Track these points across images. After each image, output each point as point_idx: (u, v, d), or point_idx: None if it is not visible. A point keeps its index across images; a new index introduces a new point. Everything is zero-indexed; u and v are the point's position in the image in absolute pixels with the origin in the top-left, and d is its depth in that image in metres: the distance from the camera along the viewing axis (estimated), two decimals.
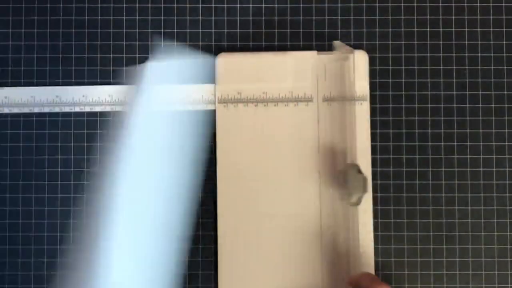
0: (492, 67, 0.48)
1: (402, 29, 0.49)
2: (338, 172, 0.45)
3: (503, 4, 0.49)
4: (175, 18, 0.49)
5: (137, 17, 0.49)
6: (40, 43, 0.48)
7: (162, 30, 0.49)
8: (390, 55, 0.48)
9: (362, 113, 0.46)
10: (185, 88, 0.47)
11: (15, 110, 0.48)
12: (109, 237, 0.43)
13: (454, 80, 0.48)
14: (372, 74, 0.48)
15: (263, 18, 0.49)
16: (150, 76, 0.46)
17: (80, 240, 0.46)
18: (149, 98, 0.45)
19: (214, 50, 0.48)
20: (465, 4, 0.49)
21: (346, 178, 0.43)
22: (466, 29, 0.48)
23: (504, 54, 0.48)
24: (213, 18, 0.49)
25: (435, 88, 0.48)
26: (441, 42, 0.48)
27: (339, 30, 0.49)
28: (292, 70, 0.47)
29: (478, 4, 0.49)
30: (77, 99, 0.48)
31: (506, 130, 0.48)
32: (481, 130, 0.48)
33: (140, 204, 0.45)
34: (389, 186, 0.48)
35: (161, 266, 0.44)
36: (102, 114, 0.48)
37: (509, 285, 0.47)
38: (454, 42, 0.48)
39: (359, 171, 0.42)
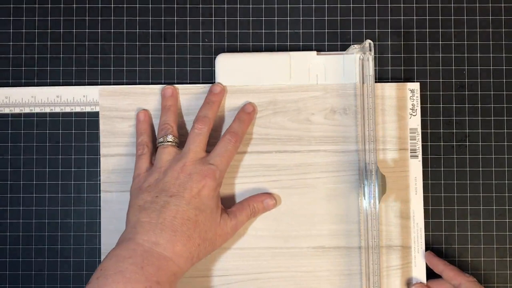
0: (492, 67, 0.48)
1: (402, 30, 0.49)
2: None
3: (502, 5, 0.49)
4: (175, 18, 0.49)
5: (137, 18, 0.49)
6: (41, 44, 0.49)
7: (163, 31, 0.49)
8: (389, 55, 0.48)
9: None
10: None
11: (16, 110, 0.48)
12: None
13: (453, 80, 0.48)
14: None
15: (263, 18, 0.49)
16: None
17: None
18: None
19: (214, 50, 0.49)
20: (465, 5, 0.49)
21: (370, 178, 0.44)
22: (466, 30, 0.48)
23: (503, 54, 0.48)
24: (213, 18, 0.49)
25: (434, 89, 0.48)
26: (440, 42, 0.49)
27: (339, 30, 0.49)
28: (292, 70, 0.47)
29: (477, 5, 0.49)
30: (77, 99, 0.48)
31: (506, 130, 0.48)
32: (480, 130, 0.48)
33: None
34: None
35: None
36: None
37: (508, 285, 0.47)
38: (453, 42, 0.48)
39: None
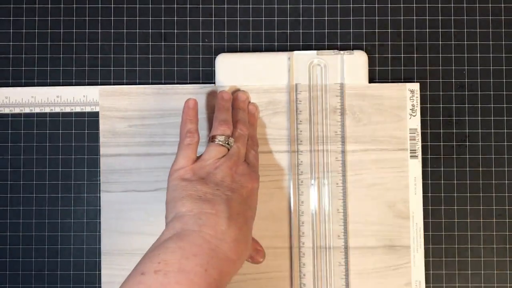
0: (491, 67, 0.48)
1: (402, 30, 0.49)
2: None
3: (502, 5, 0.49)
4: (175, 18, 0.49)
5: (137, 18, 0.49)
6: (41, 44, 0.49)
7: (163, 31, 0.49)
8: (389, 55, 0.48)
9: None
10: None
11: (16, 110, 0.48)
12: None
13: (453, 80, 0.48)
14: (372, 74, 0.48)
15: (263, 18, 0.49)
16: None
17: None
18: None
19: (214, 50, 0.49)
20: (464, 5, 0.49)
21: None
22: (465, 30, 0.49)
23: (503, 55, 0.48)
24: (213, 18, 0.49)
25: (434, 89, 0.48)
26: (440, 42, 0.49)
27: (339, 30, 0.49)
28: (292, 70, 0.47)
29: (477, 5, 0.49)
30: (77, 99, 0.48)
31: (506, 130, 0.48)
32: (480, 130, 0.48)
33: None
34: None
35: None
36: None
37: (508, 285, 0.47)
38: (453, 42, 0.48)
39: None
